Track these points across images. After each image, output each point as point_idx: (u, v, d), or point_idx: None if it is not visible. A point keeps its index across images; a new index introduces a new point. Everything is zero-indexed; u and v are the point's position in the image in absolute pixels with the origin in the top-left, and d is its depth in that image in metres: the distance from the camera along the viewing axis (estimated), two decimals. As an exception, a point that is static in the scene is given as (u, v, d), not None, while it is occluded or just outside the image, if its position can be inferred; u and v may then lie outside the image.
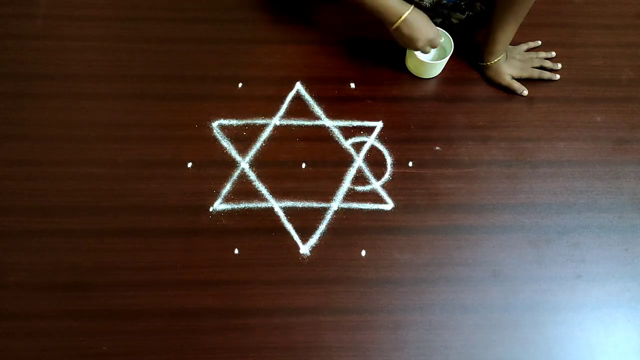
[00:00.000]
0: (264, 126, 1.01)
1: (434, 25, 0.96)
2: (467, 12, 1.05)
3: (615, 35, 1.13)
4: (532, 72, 1.05)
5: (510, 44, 1.04)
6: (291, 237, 0.91)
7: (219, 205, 0.93)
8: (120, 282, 0.86)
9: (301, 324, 0.84)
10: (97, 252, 0.88)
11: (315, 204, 0.93)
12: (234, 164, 0.97)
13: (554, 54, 1.09)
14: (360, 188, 0.95)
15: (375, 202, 0.94)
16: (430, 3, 1.03)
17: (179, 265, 0.88)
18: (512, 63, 1.04)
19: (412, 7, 0.92)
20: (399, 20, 0.91)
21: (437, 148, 0.99)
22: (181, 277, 0.87)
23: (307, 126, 1.01)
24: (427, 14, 1.06)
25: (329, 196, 0.94)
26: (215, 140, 0.99)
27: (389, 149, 0.99)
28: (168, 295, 0.86)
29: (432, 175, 0.97)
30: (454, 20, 1.06)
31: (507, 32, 0.96)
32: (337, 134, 1.00)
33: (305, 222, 0.92)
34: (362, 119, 1.02)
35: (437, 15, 1.06)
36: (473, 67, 1.08)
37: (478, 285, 0.88)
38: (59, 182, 0.94)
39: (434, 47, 0.98)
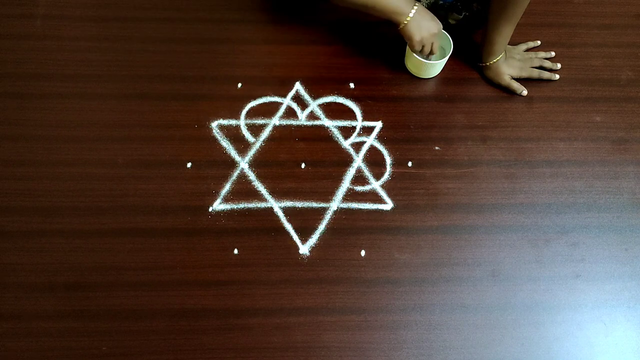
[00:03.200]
0: (263, 126, 1.01)
1: (437, 20, 0.96)
2: (464, 13, 1.05)
3: (614, 35, 1.13)
4: (531, 72, 1.05)
5: (509, 44, 1.04)
6: (291, 237, 0.91)
7: (218, 206, 0.93)
8: (120, 282, 0.86)
9: (301, 324, 0.84)
10: (97, 252, 0.88)
11: (314, 204, 0.94)
12: (233, 164, 0.97)
13: (553, 54, 1.09)
14: (359, 188, 0.95)
15: (375, 202, 0.94)
16: (427, 4, 1.03)
17: (178, 266, 0.88)
18: (511, 63, 1.04)
19: (417, 5, 0.93)
20: (408, 19, 0.92)
21: (437, 148, 0.99)
22: (181, 277, 0.87)
23: (306, 126, 1.01)
24: None
25: (328, 196, 0.94)
26: (214, 140, 0.99)
27: (388, 149, 0.99)
28: (168, 295, 0.86)
29: (432, 175, 0.97)
30: (451, 21, 1.07)
31: (503, 32, 0.96)
32: (337, 134, 1.01)
33: (305, 222, 0.92)
34: (362, 119, 1.02)
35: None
36: (472, 67, 1.08)
37: (477, 285, 0.88)
38: (59, 182, 0.94)
39: (430, 51, 0.98)
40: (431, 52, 0.99)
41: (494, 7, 0.93)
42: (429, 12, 0.95)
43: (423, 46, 0.96)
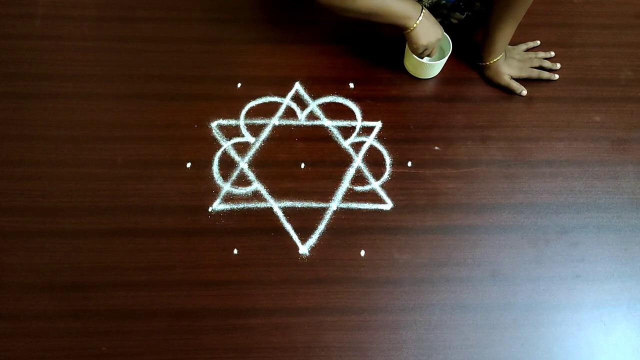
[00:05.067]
0: (263, 126, 1.01)
1: (440, 25, 0.96)
2: (466, 12, 1.05)
3: (614, 35, 1.13)
4: (531, 72, 1.05)
5: (509, 44, 1.04)
6: (290, 237, 0.91)
7: (218, 206, 0.93)
8: (120, 282, 0.86)
9: (301, 324, 0.84)
10: (97, 253, 0.88)
11: (314, 204, 0.94)
12: (233, 164, 0.97)
13: (553, 53, 1.09)
14: (359, 188, 0.95)
15: (375, 202, 0.94)
16: (429, 3, 1.03)
17: (178, 266, 0.88)
18: (511, 63, 1.04)
19: (424, 9, 0.93)
20: (416, 23, 0.92)
21: (436, 148, 0.99)
22: (181, 277, 0.87)
23: (306, 126, 1.01)
24: None
25: (328, 196, 0.94)
26: (214, 140, 0.99)
27: (388, 149, 0.99)
28: (167, 295, 0.86)
29: (431, 175, 0.97)
30: (454, 20, 1.07)
31: (505, 32, 0.96)
32: (336, 134, 1.01)
33: (305, 222, 0.92)
34: (361, 119, 1.02)
35: (436, 15, 1.06)
36: (472, 67, 1.08)
37: (477, 285, 0.88)
38: (59, 183, 0.94)
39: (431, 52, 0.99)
40: (429, 55, 0.99)
41: (497, 7, 0.93)
42: (432, 16, 0.95)
43: (425, 49, 0.96)
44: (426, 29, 0.93)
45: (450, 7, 1.04)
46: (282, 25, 1.13)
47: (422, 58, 0.99)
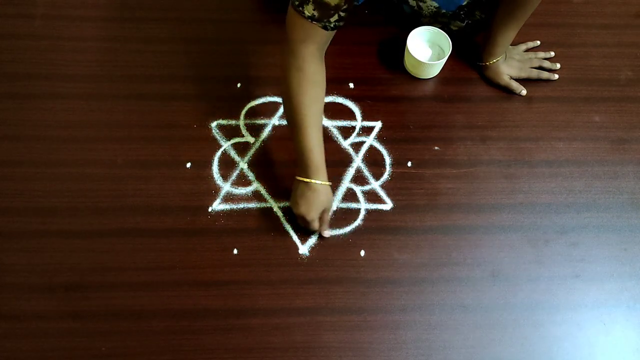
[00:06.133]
0: (263, 126, 1.01)
1: (319, 210, 0.86)
2: (466, 21, 1.05)
3: (613, 35, 1.13)
4: (530, 72, 1.05)
5: (509, 44, 1.04)
6: (290, 237, 0.91)
7: (218, 206, 0.93)
8: (120, 283, 0.86)
9: (300, 324, 0.84)
10: (97, 253, 0.88)
11: (314, 204, 0.93)
12: (233, 164, 0.97)
13: (552, 54, 1.09)
14: (359, 188, 0.95)
15: (375, 202, 0.94)
16: (429, 12, 1.03)
17: (178, 266, 0.88)
18: (510, 63, 1.04)
19: (327, 184, 0.85)
20: (306, 180, 0.84)
21: (436, 148, 0.99)
22: (180, 278, 0.87)
23: (306, 126, 1.01)
24: (426, 21, 1.05)
25: (328, 196, 0.94)
26: (214, 140, 0.99)
27: (387, 149, 0.99)
28: (167, 295, 0.86)
29: (431, 175, 0.97)
30: (454, 28, 1.06)
31: (508, 35, 0.97)
32: (336, 134, 1.01)
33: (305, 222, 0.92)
34: (361, 119, 1.02)
35: (436, 22, 1.06)
36: (472, 67, 1.08)
37: (477, 285, 0.88)
38: (58, 183, 0.94)
39: (307, 224, 0.87)
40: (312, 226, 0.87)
41: (501, 10, 0.93)
42: (325, 197, 0.86)
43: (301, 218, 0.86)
44: (312, 198, 0.84)
45: (450, 15, 1.04)
46: (282, 25, 1.12)
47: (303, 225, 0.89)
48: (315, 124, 0.84)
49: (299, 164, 0.85)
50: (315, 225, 0.87)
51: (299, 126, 0.82)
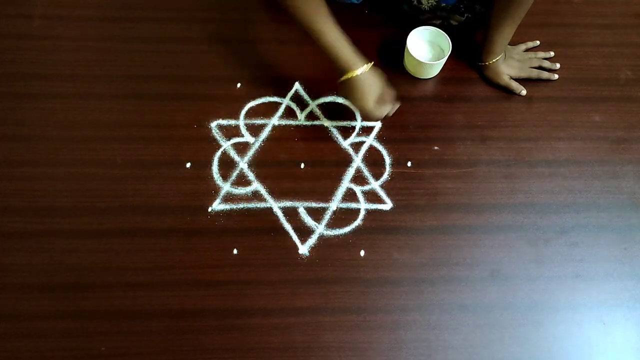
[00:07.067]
0: (262, 126, 1.01)
1: (383, 87, 0.90)
2: (466, 15, 1.05)
3: (613, 35, 1.13)
4: (530, 72, 1.05)
5: (509, 44, 1.04)
6: (290, 237, 0.91)
7: (217, 206, 0.93)
8: (119, 283, 0.86)
9: (300, 324, 0.84)
10: (96, 253, 0.88)
11: (314, 204, 0.93)
12: (232, 164, 0.97)
13: (552, 53, 1.09)
14: (359, 188, 0.95)
15: (374, 202, 0.94)
16: (429, 6, 1.03)
17: (177, 266, 0.88)
18: (510, 63, 1.04)
19: (366, 66, 0.87)
20: (347, 76, 0.86)
21: (436, 148, 0.99)
22: (180, 278, 0.87)
23: (305, 126, 1.01)
24: (426, 16, 1.05)
25: (327, 196, 0.94)
26: (214, 140, 0.99)
27: (387, 149, 0.99)
28: (167, 295, 0.86)
29: (431, 175, 0.97)
30: (453, 22, 1.07)
31: (505, 32, 0.97)
32: (336, 134, 1.00)
33: (304, 222, 0.92)
34: (361, 119, 1.02)
35: (436, 17, 1.06)
36: (471, 67, 1.08)
37: (477, 285, 0.88)
38: (58, 183, 0.94)
39: (380, 111, 0.91)
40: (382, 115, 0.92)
41: (496, 8, 0.93)
42: (378, 77, 0.89)
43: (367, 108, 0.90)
44: (356, 88, 0.87)
45: (450, 9, 1.04)
46: (282, 25, 1.12)
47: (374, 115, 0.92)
48: (326, 22, 0.86)
49: (334, 67, 0.88)
50: (385, 109, 0.90)
51: (315, 32, 0.85)
